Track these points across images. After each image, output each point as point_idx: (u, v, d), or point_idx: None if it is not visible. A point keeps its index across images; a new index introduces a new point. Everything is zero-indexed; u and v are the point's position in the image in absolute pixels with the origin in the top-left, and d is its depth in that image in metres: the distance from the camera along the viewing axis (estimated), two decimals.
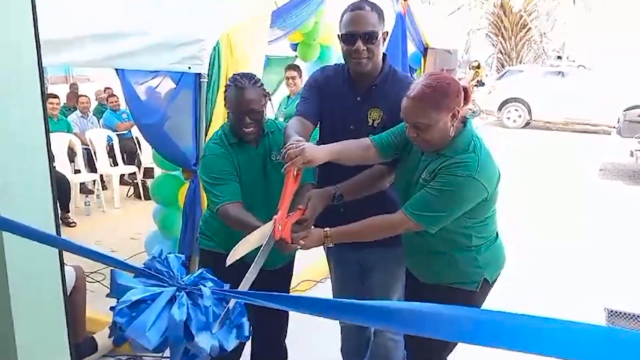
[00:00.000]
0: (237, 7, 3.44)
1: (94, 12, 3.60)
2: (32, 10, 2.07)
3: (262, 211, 2.05)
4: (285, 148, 1.79)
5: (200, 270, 1.63)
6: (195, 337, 1.44)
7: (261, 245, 1.77)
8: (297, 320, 2.24)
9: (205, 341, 1.45)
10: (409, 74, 1.94)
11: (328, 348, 2.59)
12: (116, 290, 1.51)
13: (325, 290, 3.85)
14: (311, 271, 3.89)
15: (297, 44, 5.37)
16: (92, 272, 3.84)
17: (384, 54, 2.06)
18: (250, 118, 2.08)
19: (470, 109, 13.63)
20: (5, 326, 2.08)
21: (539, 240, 4.96)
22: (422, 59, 6.83)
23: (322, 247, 2.23)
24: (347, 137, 1.96)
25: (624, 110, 10.06)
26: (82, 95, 7.72)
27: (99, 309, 3.28)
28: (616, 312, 3.63)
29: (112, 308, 1.52)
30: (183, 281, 1.55)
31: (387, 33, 2.08)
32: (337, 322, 2.43)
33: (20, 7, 2.04)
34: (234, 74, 2.16)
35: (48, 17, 2.27)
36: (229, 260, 1.70)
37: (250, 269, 1.68)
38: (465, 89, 1.79)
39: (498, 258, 2.04)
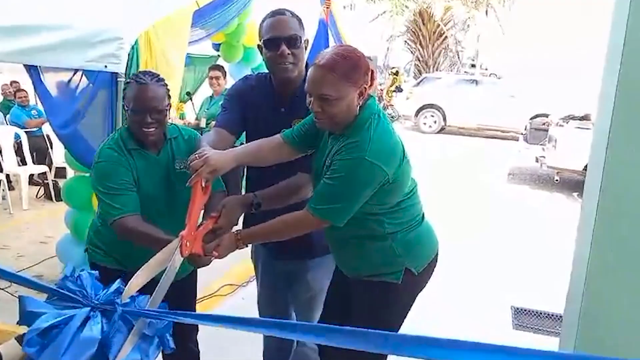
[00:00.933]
0: (157, 5, 3.37)
1: (5, 3, 3.40)
2: None
3: (165, 224, 1.92)
4: (189, 159, 1.72)
5: (117, 285, 1.56)
6: (111, 357, 1.39)
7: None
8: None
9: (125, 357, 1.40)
10: None
11: (250, 352, 2.56)
12: (26, 317, 1.43)
13: (247, 294, 3.82)
14: (233, 275, 3.87)
15: (219, 44, 5.32)
16: None
17: (306, 62, 2.04)
18: (151, 117, 1.93)
19: (390, 114, 14.05)
20: None
21: (448, 241, 5.19)
22: None
23: (248, 251, 2.21)
24: None
25: (530, 119, 10.78)
26: None
27: (4, 319, 3.10)
28: (521, 310, 3.89)
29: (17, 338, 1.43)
30: (98, 299, 1.50)
31: (308, 41, 2.05)
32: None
33: None
34: (136, 72, 2.06)
35: None
36: (127, 294, 1.51)
37: (157, 289, 1.57)
38: (372, 71, 1.69)
39: (422, 245, 1.86)
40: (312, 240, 2.01)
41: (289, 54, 1.91)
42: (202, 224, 1.78)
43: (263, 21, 1.98)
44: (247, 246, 1.78)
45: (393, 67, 17.78)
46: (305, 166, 1.91)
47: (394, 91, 15.84)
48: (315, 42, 3.92)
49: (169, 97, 2.00)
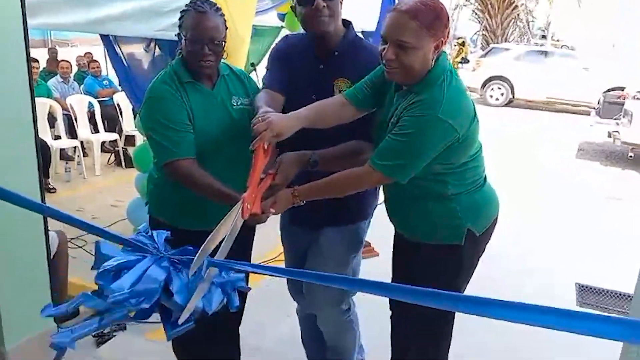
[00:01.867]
0: None
1: None
2: None
3: (220, 164, 1.90)
4: (252, 122, 1.68)
5: (184, 247, 1.57)
6: (176, 297, 1.45)
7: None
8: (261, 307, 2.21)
9: (182, 298, 1.44)
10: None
11: (291, 334, 2.57)
12: (101, 261, 1.50)
13: None
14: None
15: (284, 14, 5.32)
16: (73, 238, 3.83)
17: (348, 21, 1.98)
18: (209, 48, 1.85)
19: None
20: None
21: (516, 217, 5.08)
22: None
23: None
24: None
25: (604, 92, 10.21)
26: (62, 60, 7.56)
27: (80, 275, 3.30)
28: (586, 287, 3.77)
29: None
30: (167, 251, 1.56)
31: (342, 1, 1.94)
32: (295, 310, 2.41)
33: None
34: (192, 1, 1.90)
35: None
36: (196, 263, 1.47)
37: (219, 250, 1.55)
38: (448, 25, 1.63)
39: (484, 207, 1.84)
40: (331, 208, 1.95)
41: (324, 6, 1.84)
42: (260, 179, 1.75)
43: None
44: (303, 203, 1.73)
45: (459, 37, 17.23)
46: (350, 132, 1.88)
47: (460, 62, 15.39)
48: (382, 13, 3.84)
49: (226, 28, 1.92)
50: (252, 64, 6.45)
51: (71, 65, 7.62)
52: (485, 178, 1.86)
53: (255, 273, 1.42)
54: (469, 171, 1.76)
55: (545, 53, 14.42)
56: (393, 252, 2.03)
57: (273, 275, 1.69)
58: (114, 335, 2.86)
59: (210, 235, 1.55)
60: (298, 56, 2.01)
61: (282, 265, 3.75)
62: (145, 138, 3.86)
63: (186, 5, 1.89)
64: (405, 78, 1.65)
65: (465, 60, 15.71)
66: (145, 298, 1.40)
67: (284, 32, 6.18)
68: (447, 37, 1.62)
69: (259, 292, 2.47)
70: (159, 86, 1.90)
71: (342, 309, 2.19)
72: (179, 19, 1.90)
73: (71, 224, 1.71)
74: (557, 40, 25.52)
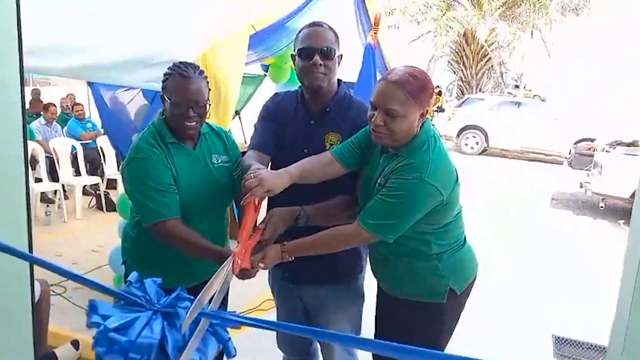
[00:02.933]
0: (215, 27, 3.51)
1: (73, 22, 3.61)
2: (17, 16, 2.09)
3: (202, 221, 1.95)
4: (244, 179, 1.73)
5: (177, 292, 1.62)
6: (171, 355, 1.49)
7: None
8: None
9: (176, 353, 1.47)
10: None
11: None
12: (95, 320, 1.53)
13: None
14: (266, 297, 3.95)
15: (267, 65, 5.48)
16: (52, 285, 3.79)
17: (339, 79, 2.07)
18: (194, 111, 1.89)
19: None
20: None
21: (490, 266, 5.16)
22: None
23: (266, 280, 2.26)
24: (290, 162, 1.91)
25: (575, 143, 10.57)
26: (51, 105, 7.54)
27: (59, 324, 3.26)
28: (562, 339, 3.84)
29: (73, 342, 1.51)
30: (160, 304, 1.59)
31: (342, 56, 2.03)
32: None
33: (4, 12, 2.06)
34: (176, 63, 1.94)
35: (25, 23, 2.27)
36: (189, 317, 1.48)
37: (213, 299, 1.60)
38: (432, 94, 1.75)
39: (465, 265, 1.93)
40: (329, 264, 2.01)
41: (321, 64, 1.92)
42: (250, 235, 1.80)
43: (300, 32, 2.01)
44: (292, 258, 1.79)
45: (436, 86, 17.67)
46: (334, 187, 1.94)
47: (436, 111, 15.74)
48: (364, 66, 3.99)
49: (209, 89, 1.97)
50: (236, 112, 6.58)
51: (57, 109, 7.64)
52: (465, 238, 1.96)
53: (254, 327, 1.44)
54: (451, 231, 1.85)
55: (518, 104, 14.92)
56: (376, 306, 2.08)
57: (272, 329, 1.73)
58: None
59: (203, 289, 1.58)
60: (289, 112, 2.06)
61: (266, 315, 3.75)
62: None
63: (169, 68, 1.94)
64: (392, 142, 1.76)
65: (441, 109, 16.07)
66: (142, 355, 1.43)
67: (267, 81, 6.34)
68: (431, 105, 1.75)
69: (239, 347, 2.47)
70: (144, 146, 1.92)
71: (352, 358, 2.23)
72: (163, 81, 1.94)
73: (62, 275, 1.72)
74: (529, 90, 26.37)
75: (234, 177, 2.08)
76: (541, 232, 6.96)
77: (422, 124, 1.77)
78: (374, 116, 1.72)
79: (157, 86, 3.20)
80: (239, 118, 6.67)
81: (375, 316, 2.08)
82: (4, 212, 2.14)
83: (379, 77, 5.54)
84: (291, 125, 2.04)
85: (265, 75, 6.40)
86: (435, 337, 1.89)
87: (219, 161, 2.05)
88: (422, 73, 1.72)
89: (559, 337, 3.84)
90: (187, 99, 1.87)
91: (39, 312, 2.66)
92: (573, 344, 3.77)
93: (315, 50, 1.92)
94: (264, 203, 1.98)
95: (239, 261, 1.70)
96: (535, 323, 4.03)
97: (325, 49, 1.93)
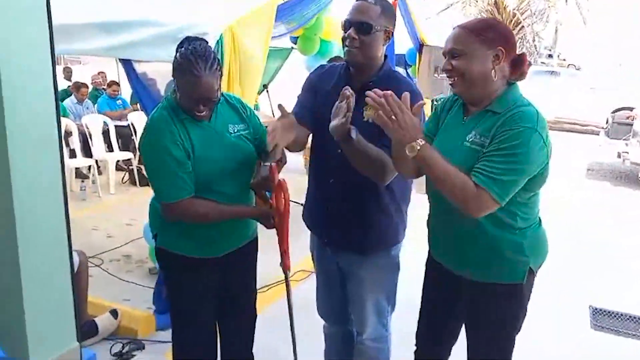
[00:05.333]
0: (242, 0, 3.49)
1: (100, 1, 3.64)
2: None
3: (225, 189, 1.98)
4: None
5: None
6: None
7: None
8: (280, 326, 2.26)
9: None
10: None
11: (313, 353, 2.57)
12: None
13: None
14: (307, 262, 3.96)
15: (296, 38, 5.43)
16: (91, 257, 3.89)
17: (385, 54, 2.02)
18: (204, 105, 1.89)
19: None
20: (17, 311, 2.15)
21: None
22: (418, 56, 6.94)
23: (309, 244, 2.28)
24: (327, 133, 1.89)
25: (612, 112, 10.24)
26: (82, 86, 7.59)
27: (98, 294, 3.36)
28: (600, 310, 3.77)
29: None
30: None
31: (392, 33, 1.98)
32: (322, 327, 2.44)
33: None
34: (187, 48, 1.84)
35: (55, 5, 2.28)
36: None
37: None
38: (522, 55, 1.67)
39: (543, 244, 1.82)
40: (366, 233, 2.03)
41: (355, 38, 1.89)
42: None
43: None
44: (417, 151, 1.55)
45: None
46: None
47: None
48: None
49: (221, 75, 1.93)
50: (264, 85, 6.56)
51: (88, 89, 7.73)
52: (540, 216, 1.84)
53: None
54: (534, 205, 1.75)
55: (553, 73, 14.52)
56: (429, 287, 2.02)
57: None
58: (134, 355, 2.90)
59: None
60: (330, 84, 2.04)
61: (299, 285, 3.78)
62: None
63: (180, 52, 1.85)
64: (466, 88, 1.67)
65: None
66: None
67: (295, 53, 6.29)
68: (511, 52, 1.65)
69: (266, 318, 2.51)
70: (158, 123, 1.91)
71: (385, 331, 2.23)
72: (174, 62, 1.88)
73: None
74: (564, 60, 25.62)
75: (255, 144, 2.10)
76: (577, 203, 6.81)
77: (510, 85, 1.69)
78: (444, 63, 1.69)
79: None
80: (267, 92, 6.65)
81: (427, 293, 2.02)
82: (41, 187, 2.19)
83: (407, 42, 5.43)
84: (331, 97, 1.98)
85: (292, 48, 6.36)
86: (513, 321, 1.80)
87: (236, 130, 2.04)
88: (491, 18, 1.67)
89: (596, 309, 3.77)
90: (196, 97, 1.86)
91: (78, 281, 2.73)
92: (610, 315, 3.71)
93: (351, 24, 1.90)
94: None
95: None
96: (572, 294, 3.97)
97: (361, 23, 1.89)
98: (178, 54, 1.86)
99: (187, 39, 1.91)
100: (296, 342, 2.21)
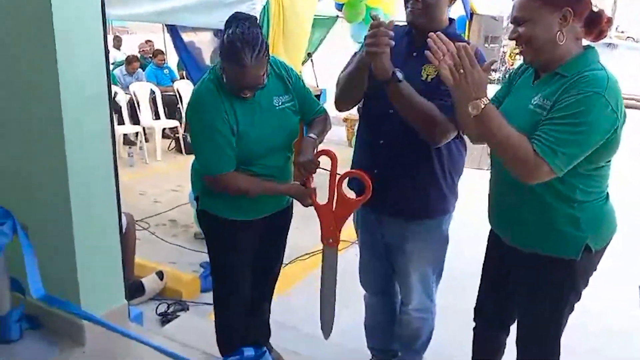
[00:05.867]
0: None
1: None
2: None
3: (266, 162, 1.99)
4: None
5: None
6: None
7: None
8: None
9: None
10: None
11: (351, 324, 2.59)
12: None
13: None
14: (347, 231, 3.96)
15: (342, 4, 5.34)
16: (138, 220, 4.00)
17: (452, 19, 1.97)
18: (250, 91, 1.89)
19: None
20: (70, 268, 2.23)
21: None
22: (467, 24, 6.73)
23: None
24: (380, 92, 1.84)
25: None
26: (134, 59, 7.68)
27: (144, 256, 3.46)
28: None
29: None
30: None
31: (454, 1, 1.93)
32: (362, 297, 2.43)
33: None
34: (235, 32, 1.79)
35: None
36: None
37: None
38: (599, 12, 1.56)
39: (606, 222, 1.71)
40: (413, 200, 2.00)
41: (417, 0, 1.86)
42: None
43: None
44: (478, 111, 1.49)
45: None
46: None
47: (517, 54, 14.97)
48: None
49: (268, 60, 1.89)
50: (308, 54, 6.51)
51: (139, 62, 7.80)
52: (608, 192, 1.74)
53: None
54: (598, 178, 1.64)
55: (611, 45, 13.86)
56: (487, 260, 1.98)
57: None
58: (178, 316, 2.99)
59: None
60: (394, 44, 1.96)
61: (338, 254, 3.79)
62: None
63: (228, 31, 1.80)
64: (534, 55, 1.61)
65: None
66: None
67: (340, 22, 6.20)
68: (582, 10, 1.55)
69: (311, 285, 2.51)
70: (205, 96, 1.92)
71: (430, 302, 2.21)
72: (220, 41, 1.84)
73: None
74: (622, 32, 24.43)
75: (300, 112, 2.10)
76: (634, 180, 6.52)
77: (586, 49, 1.60)
78: (511, 33, 1.64)
79: None
80: (311, 61, 6.60)
81: (489, 268, 1.98)
82: (93, 150, 2.24)
83: (458, 10, 5.23)
84: (394, 56, 1.91)
85: (337, 16, 6.26)
86: (561, 298, 1.73)
87: (280, 102, 2.03)
88: None
89: None
90: (242, 85, 1.86)
91: (126, 242, 2.81)
92: None
93: None
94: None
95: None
96: (623, 272, 3.84)
97: None
98: (225, 37, 1.81)
99: (236, 19, 1.85)
100: (332, 313, 2.21)
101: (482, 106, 1.48)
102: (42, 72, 2.07)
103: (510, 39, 1.64)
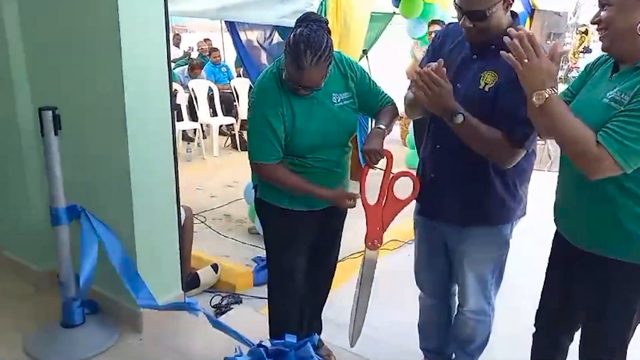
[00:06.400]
0: None
1: None
2: None
3: (322, 156, 2.02)
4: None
5: None
6: None
7: None
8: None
9: None
10: None
11: (404, 323, 2.56)
12: None
13: (411, 251, 3.86)
14: (400, 231, 3.93)
15: (399, 0, 5.28)
16: (195, 214, 4.09)
17: (515, 13, 1.86)
18: (306, 90, 1.93)
19: (574, 77, 12.79)
20: (130, 257, 2.30)
21: None
22: (529, 20, 6.52)
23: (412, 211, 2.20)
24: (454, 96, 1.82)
25: None
26: (197, 67, 7.66)
27: (200, 248, 3.54)
28: None
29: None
30: None
31: (510, 3, 1.80)
32: (417, 297, 2.38)
33: None
34: (302, 33, 1.83)
35: None
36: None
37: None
38: None
39: None
40: (466, 208, 1.95)
41: (470, 27, 1.78)
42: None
43: None
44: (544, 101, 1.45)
45: (582, 25, 16.06)
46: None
47: (582, 52, 14.36)
48: None
49: (329, 65, 1.90)
50: (364, 50, 6.46)
51: (201, 71, 7.87)
52: None
53: None
54: None
55: None
56: (551, 265, 1.90)
57: None
58: (231, 308, 3.03)
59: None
60: (455, 43, 1.95)
61: (391, 254, 3.75)
62: None
63: (296, 30, 1.84)
64: (610, 43, 1.54)
65: (587, 50, 14.60)
66: None
67: (397, 18, 6.13)
68: None
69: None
70: (265, 88, 1.97)
71: (487, 305, 2.15)
72: (287, 38, 1.88)
73: None
74: None
75: (362, 108, 2.11)
76: None
77: None
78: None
79: (291, 22, 3.26)
80: (367, 58, 6.55)
81: (553, 270, 1.90)
82: (154, 146, 2.31)
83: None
84: (453, 56, 1.91)
85: (394, 13, 6.20)
86: (629, 303, 1.63)
87: (339, 100, 2.03)
88: None
89: None
90: (299, 84, 1.90)
91: (184, 235, 2.87)
92: None
93: (463, 12, 1.78)
94: None
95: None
96: None
97: (473, 12, 1.75)
98: (292, 36, 1.85)
99: (307, 19, 1.89)
100: (363, 319, 2.19)
101: (547, 96, 1.43)
102: (107, 69, 2.14)
103: (592, 22, 1.58)
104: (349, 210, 2.14)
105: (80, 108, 2.30)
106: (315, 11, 3.18)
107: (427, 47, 2.08)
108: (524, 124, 1.67)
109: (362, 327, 2.13)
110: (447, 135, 1.84)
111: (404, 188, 2.02)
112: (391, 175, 2.00)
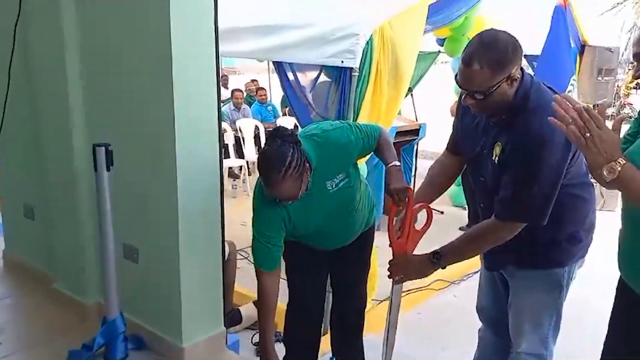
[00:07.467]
0: (394, 1, 3.46)
1: (254, 6, 3.84)
2: (214, 3, 2.24)
3: (330, 230, 2.13)
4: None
5: None
6: None
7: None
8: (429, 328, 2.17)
9: None
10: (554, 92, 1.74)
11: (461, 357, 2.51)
12: None
13: (458, 292, 3.76)
14: (446, 271, 3.82)
15: (443, 39, 5.29)
16: (238, 250, 4.10)
17: (524, 77, 1.79)
18: (285, 201, 1.95)
19: (627, 114, 12.42)
20: (174, 292, 2.32)
21: None
22: (579, 57, 6.39)
23: None
24: (472, 163, 1.93)
25: None
26: (236, 90, 8.15)
27: (243, 284, 3.52)
28: None
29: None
30: None
31: (513, 80, 1.74)
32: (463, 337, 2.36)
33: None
34: (265, 148, 1.90)
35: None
36: None
37: None
38: None
39: None
40: (513, 253, 1.95)
41: (472, 102, 1.77)
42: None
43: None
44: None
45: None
46: None
47: (634, 87, 13.97)
48: (552, 30, 3.63)
49: (306, 172, 1.90)
50: (409, 89, 6.48)
51: (243, 95, 8.23)
52: None
53: None
54: None
55: None
56: (620, 307, 1.78)
57: None
58: None
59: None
60: (473, 113, 1.95)
61: (437, 294, 3.64)
62: None
63: (261, 151, 1.93)
64: None
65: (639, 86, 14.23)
66: None
67: (442, 57, 6.13)
68: None
69: (407, 324, 2.44)
70: (260, 196, 2.03)
71: (543, 348, 2.09)
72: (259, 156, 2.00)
73: None
74: None
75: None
76: None
77: None
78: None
79: (337, 61, 3.31)
80: (411, 96, 6.56)
81: (617, 319, 1.79)
82: (202, 182, 2.34)
83: (571, 44, 5.05)
84: (476, 121, 1.94)
85: (439, 51, 6.21)
86: None
87: (334, 186, 2.06)
88: None
89: None
90: (274, 198, 1.93)
91: (228, 270, 2.88)
92: None
93: (465, 92, 1.78)
94: None
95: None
96: None
97: (475, 92, 1.74)
98: (260, 154, 1.94)
99: (272, 136, 1.89)
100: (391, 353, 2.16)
101: (619, 169, 1.32)
102: (160, 109, 2.20)
103: (634, 77, 1.55)
104: (384, 248, 2.16)
105: (132, 145, 2.37)
106: (361, 50, 3.20)
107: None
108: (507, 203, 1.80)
109: (392, 355, 2.15)
110: (483, 195, 1.93)
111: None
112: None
